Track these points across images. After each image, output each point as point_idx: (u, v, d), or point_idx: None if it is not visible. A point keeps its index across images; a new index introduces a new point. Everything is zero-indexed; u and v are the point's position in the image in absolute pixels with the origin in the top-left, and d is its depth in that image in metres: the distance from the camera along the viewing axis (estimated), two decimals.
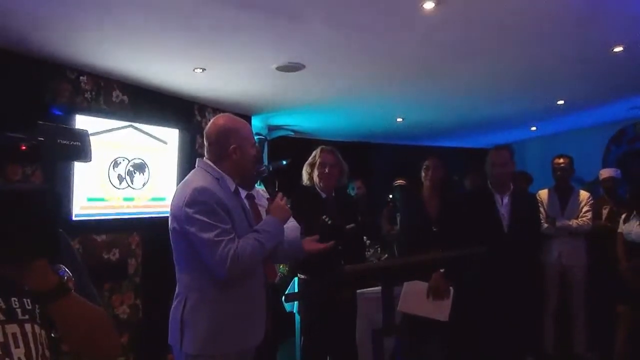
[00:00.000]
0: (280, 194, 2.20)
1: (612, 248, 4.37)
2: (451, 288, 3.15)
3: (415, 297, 3.11)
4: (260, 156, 3.28)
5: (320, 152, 3.21)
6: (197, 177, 2.06)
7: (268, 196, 2.27)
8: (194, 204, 1.93)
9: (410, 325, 3.14)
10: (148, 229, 3.84)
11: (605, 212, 4.65)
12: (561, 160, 4.60)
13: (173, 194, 2.10)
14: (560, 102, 5.08)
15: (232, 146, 2.09)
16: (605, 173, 4.97)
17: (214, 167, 2.10)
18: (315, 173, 3.17)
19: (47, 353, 1.03)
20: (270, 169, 5.46)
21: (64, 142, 0.97)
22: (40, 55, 3.18)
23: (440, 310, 3.11)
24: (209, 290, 2.00)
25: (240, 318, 2.05)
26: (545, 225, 4.33)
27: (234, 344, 2.04)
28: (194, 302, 2.01)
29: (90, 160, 1.02)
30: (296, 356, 4.52)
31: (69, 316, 1.02)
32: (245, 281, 2.05)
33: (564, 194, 4.56)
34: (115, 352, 1.20)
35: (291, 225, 2.83)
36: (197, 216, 1.91)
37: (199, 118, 4.65)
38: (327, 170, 3.13)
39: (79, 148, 0.99)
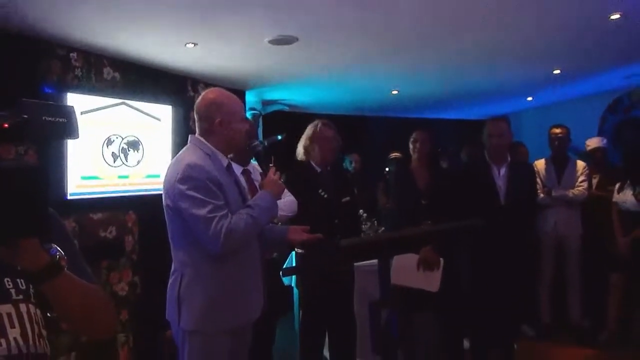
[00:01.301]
0: (273, 169, 2.20)
1: (604, 217, 4.41)
2: (441, 259, 3.18)
3: (406, 269, 3.15)
4: (254, 131, 3.26)
5: (322, 126, 3.19)
6: (189, 153, 2.05)
7: (261, 171, 2.28)
8: (186, 180, 1.93)
9: (402, 296, 3.18)
10: (144, 207, 3.83)
11: (595, 181, 4.66)
12: (558, 130, 4.60)
13: (167, 170, 2.09)
14: (557, 71, 5.04)
15: (217, 119, 2.08)
16: (592, 143, 4.93)
17: (205, 142, 2.09)
18: (316, 147, 3.15)
19: (43, 332, 1.03)
20: (265, 144, 5.46)
21: (50, 119, 0.95)
22: (29, 33, 3.12)
23: (431, 281, 3.16)
24: (204, 267, 2.01)
25: (237, 294, 2.06)
26: (542, 195, 4.34)
27: (230, 320, 2.05)
28: (190, 279, 2.02)
29: (78, 137, 1.00)
30: (295, 329, 4.57)
31: (63, 295, 1.01)
32: (241, 257, 2.06)
33: (560, 164, 4.57)
34: (112, 327, 1.21)
35: (289, 200, 2.85)
36: (190, 192, 1.91)
37: (192, 94, 4.60)
38: (331, 145, 3.14)
39: (65, 125, 0.97)
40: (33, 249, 0.94)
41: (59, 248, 1.00)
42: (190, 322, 2.01)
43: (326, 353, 3.46)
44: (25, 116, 0.91)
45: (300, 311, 3.28)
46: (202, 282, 2.01)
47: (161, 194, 2.09)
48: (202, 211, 1.90)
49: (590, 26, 3.59)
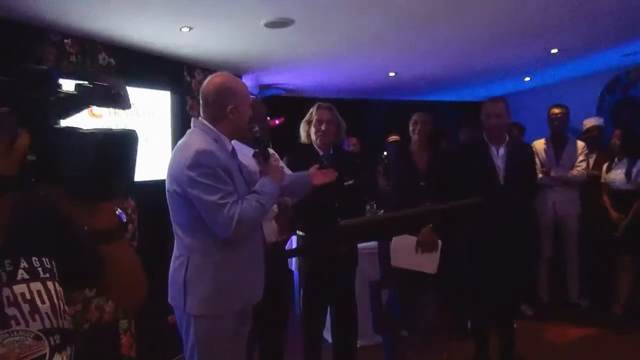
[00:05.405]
0: (274, 156, 2.24)
1: (600, 197, 4.44)
2: (439, 241, 3.19)
3: (404, 251, 3.16)
4: (262, 113, 3.23)
5: (317, 109, 3.17)
6: (197, 139, 2.03)
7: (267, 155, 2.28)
8: (196, 167, 1.92)
9: (402, 278, 3.20)
10: (143, 193, 3.81)
11: (591, 160, 4.68)
12: (557, 111, 4.60)
13: (172, 155, 2.09)
14: (554, 50, 5.02)
15: (230, 106, 2.07)
16: (589, 122, 4.95)
17: (212, 127, 2.08)
18: (312, 130, 3.14)
19: (67, 309, 1.06)
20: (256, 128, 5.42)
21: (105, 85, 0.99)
22: (22, 19, 3.08)
23: (429, 263, 3.17)
24: (212, 252, 2.02)
25: (242, 278, 2.09)
26: (541, 175, 4.35)
27: (236, 303, 2.09)
28: (197, 264, 2.03)
29: (130, 108, 1.03)
30: (297, 311, 4.60)
31: (121, 257, 1.08)
32: (247, 242, 2.08)
33: (559, 144, 4.57)
34: (144, 296, 1.29)
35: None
36: (200, 179, 1.91)
37: (188, 79, 4.57)
38: (323, 127, 3.10)
39: (118, 95, 0.99)
40: (110, 210, 1.01)
41: (122, 212, 1.04)
42: (198, 307, 2.02)
43: (328, 336, 3.49)
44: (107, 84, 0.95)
45: (301, 290, 3.28)
46: (210, 267, 2.02)
47: (161, 181, 2.09)
48: (214, 197, 1.91)
49: (588, 3, 3.56)
